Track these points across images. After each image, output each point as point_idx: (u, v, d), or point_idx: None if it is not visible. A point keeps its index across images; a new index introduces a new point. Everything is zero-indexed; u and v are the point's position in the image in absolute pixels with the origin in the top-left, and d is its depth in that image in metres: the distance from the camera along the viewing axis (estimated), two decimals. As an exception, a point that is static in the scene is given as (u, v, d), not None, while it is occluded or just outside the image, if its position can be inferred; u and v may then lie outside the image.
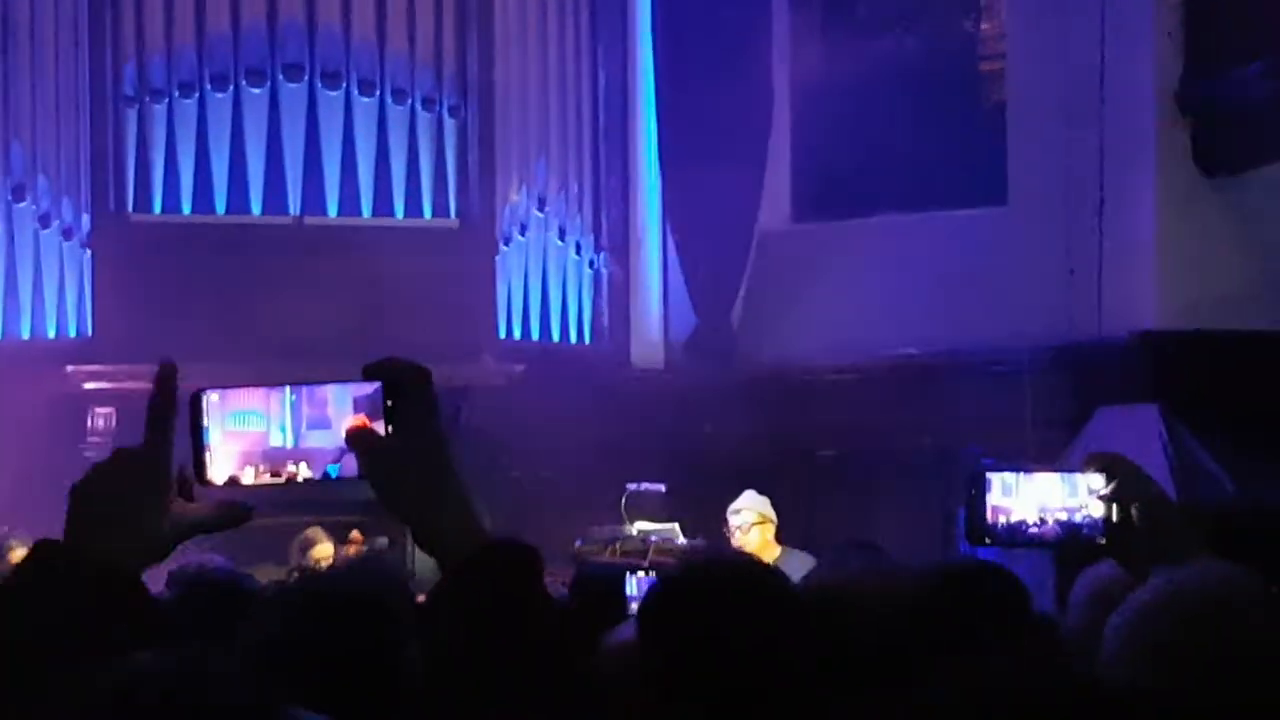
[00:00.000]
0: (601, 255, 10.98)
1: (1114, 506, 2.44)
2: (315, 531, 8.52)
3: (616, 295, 11.02)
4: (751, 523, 7.97)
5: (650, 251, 11.16)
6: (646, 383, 10.76)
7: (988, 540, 2.54)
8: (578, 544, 8.37)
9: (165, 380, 1.83)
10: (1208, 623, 1.91)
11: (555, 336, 10.69)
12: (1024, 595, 3.23)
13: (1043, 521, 2.49)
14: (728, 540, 7.94)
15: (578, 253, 10.85)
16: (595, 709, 2.69)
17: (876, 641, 2.81)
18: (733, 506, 8.05)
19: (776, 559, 7.80)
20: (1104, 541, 2.38)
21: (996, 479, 2.45)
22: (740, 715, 2.26)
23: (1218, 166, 9.38)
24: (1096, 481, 2.43)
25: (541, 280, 10.67)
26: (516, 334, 10.52)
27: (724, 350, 10.77)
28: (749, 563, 2.65)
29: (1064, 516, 2.48)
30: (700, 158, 10.59)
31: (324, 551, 8.38)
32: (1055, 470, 2.46)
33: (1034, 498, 2.54)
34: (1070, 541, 2.57)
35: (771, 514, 8.04)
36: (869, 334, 10.10)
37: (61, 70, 9.96)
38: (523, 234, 10.59)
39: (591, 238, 10.95)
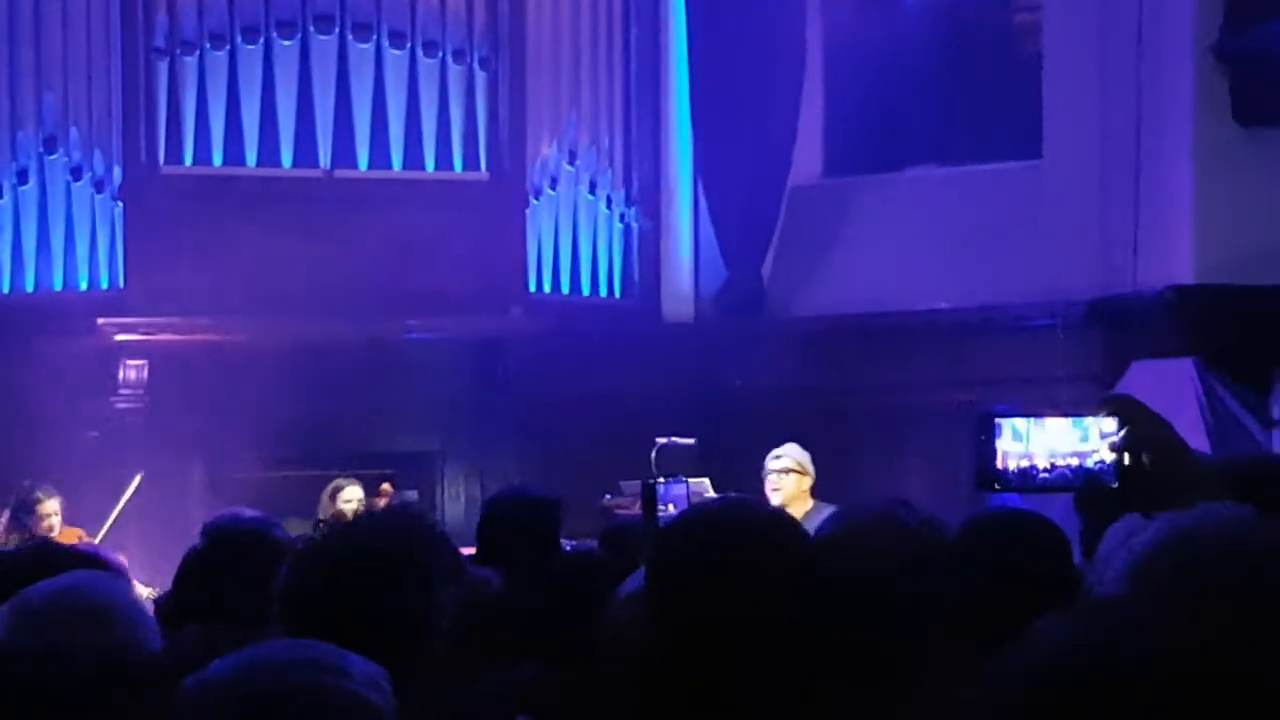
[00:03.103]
0: (632, 209, 10.93)
1: (1125, 451, 2.39)
2: (343, 480, 8.57)
3: (647, 249, 10.97)
4: (787, 468, 8.02)
5: (681, 205, 11.11)
6: (677, 336, 10.73)
7: (997, 485, 2.50)
8: (607, 498, 8.38)
9: None
10: (1208, 563, 1.86)
11: (585, 290, 10.65)
12: (1065, 546, 3.19)
13: (1054, 467, 2.44)
14: (764, 487, 7.99)
15: (608, 206, 10.80)
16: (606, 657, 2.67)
17: (888, 590, 2.77)
18: (773, 453, 8.09)
19: (808, 511, 7.85)
20: (1116, 486, 2.34)
21: (1006, 424, 2.41)
22: (743, 658, 2.24)
23: (1256, 119, 9.25)
24: (1108, 425, 2.38)
25: (572, 234, 10.63)
26: (547, 288, 10.48)
27: (754, 304, 10.73)
28: (751, 507, 2.61)
29: (1075, 462, 2.43)
30: (732, 111, 10.53)
31: (353, 494, 8.43)
32: (1067, 415, 2.41)
33: (1045, 443, 2.49)
34: (1084, 487, 2.52)
35: (809, 468, 8.08)
36: (900, 288, 10.04)
37: (93, 22, 9.95)
38: (553, 188, 10.55)
39: (622, 191, 10.89)
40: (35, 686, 1.87)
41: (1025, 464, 2.45)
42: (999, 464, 2.50)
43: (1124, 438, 2.38)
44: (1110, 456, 2.42)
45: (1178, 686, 1.34)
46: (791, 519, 2.66)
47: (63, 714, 1.86)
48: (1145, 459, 2.36)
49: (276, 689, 1.64)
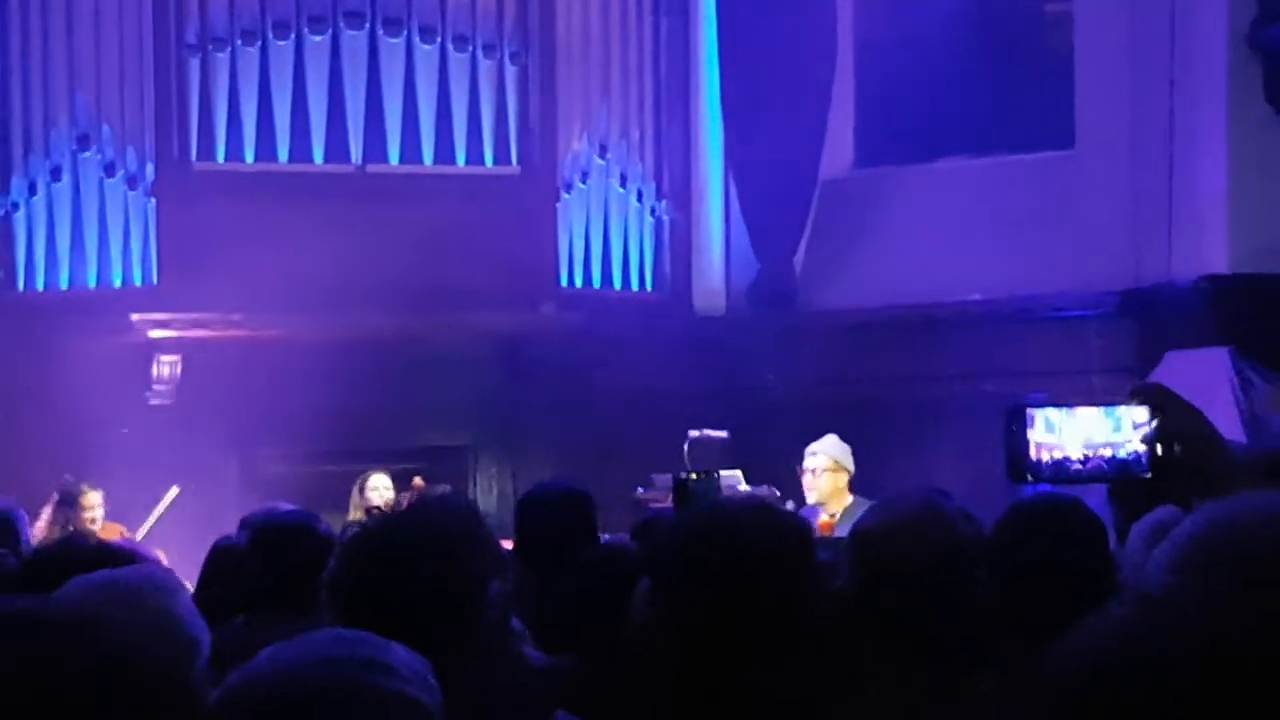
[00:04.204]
0: (663, 202, 10.92)
1: (1157, 442, 2.37)
2: (371, 471, 8.62)
3: (678, 242, 10.96)
4: (824, 468, 7.92)
5: (712, 198, 11.09)
6: (708, 330, 10.72)
7: (1030, 477, 2.48)
8: (640, 491, 8.37)
9: None
10: (1249, 552, 1.85)
11: (617, 284, 10.65)
12: (1101, 536, 3.16)
13: (1088, 458, 2.42)
14: (799, 479, 7.95)
15: (639, 200, 10.79)
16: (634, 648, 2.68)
17: (928, 580, 2.76)
18: (810, 448, 7.99)
19: (847, 508, 7.79)
20: (1149, 475, 2.32)
21: (1038, 415, 2.38)
22: (754, 649, 2.23)
23: (1291, 108, 9.19)
24: (1140, 414, 2.37)
25: (603, 227, 10.62)
26: (578, 282, 10.48)
27: (786, 297, 10.70)
28: (756, 505, 2.61)
29: (1109, 453, 2.41)
30: (763, 103, 10.50)
31: (380, 481, 8.47)
32: (1098, 405, 2.39)
33: (1078, 434, 2.47)
34: (1118, 478, 2.50)
35: (848, 463, 7.98)
36: (932, 280, 10.00)
37: (125, 20, 9.99)
38: (584, 181, 10.55)
39: (653, 185, 10.88)
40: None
41: (1059, 455, 2.43)
42: (1032, 455, 2.48)
43: (1156, 429, 2.36)
44: (1142, 447, 2.40)
45: (1227, 679, 1.34)
46: (793, 519, 2.65)
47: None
48: (1177, 449, 2.34)
49: (321, 686, 1.61)
